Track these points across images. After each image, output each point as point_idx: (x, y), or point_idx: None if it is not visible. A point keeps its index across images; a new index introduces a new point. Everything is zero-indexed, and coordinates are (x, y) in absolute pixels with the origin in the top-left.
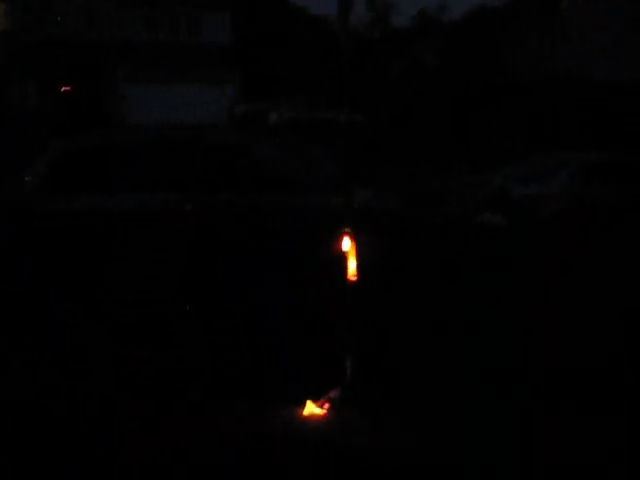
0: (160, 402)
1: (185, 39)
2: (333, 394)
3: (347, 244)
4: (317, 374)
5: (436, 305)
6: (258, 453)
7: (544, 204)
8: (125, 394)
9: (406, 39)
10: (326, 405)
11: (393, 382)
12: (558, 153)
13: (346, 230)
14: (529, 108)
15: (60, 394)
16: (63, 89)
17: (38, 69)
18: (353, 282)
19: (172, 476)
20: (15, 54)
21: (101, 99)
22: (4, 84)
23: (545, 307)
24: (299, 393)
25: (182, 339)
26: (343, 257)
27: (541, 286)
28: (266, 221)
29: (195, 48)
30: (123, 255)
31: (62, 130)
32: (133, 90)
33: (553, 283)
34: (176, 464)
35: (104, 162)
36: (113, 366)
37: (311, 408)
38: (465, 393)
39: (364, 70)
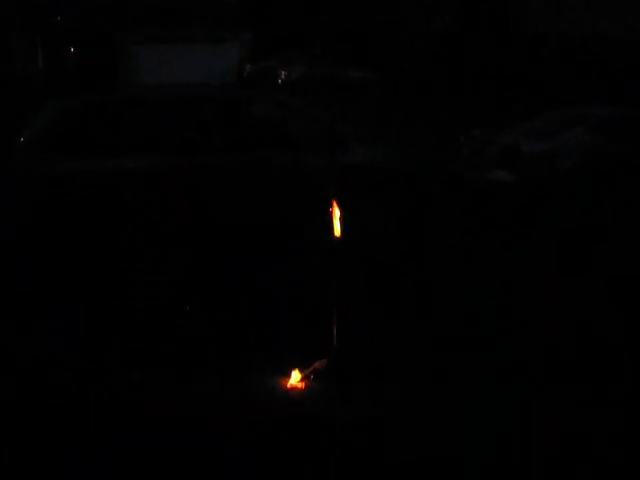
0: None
1: None
2: (319, 365)
3: (335, 205)
4: (303, 343)
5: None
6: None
7: (557, 161)
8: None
9: None
10: (311, 376)
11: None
12: (571, 109)
13: (334, 191)
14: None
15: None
16: (69, 51)
17: (45, 31)
18: (340, 243)
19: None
20: (20, 15)
21: (108, 61)
22: (9, 48)
23: (546, 293)
24: (284, 363)
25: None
26: (331, 217)
27: (546, 261)
28: (257, 180)
29: (203, 5)
30: (135, 217)
31: (69, 93)
32: (140, 51)
33: (559, 254)
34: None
35: (100, 122)
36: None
37: (296, 379)
38: (464, 384)
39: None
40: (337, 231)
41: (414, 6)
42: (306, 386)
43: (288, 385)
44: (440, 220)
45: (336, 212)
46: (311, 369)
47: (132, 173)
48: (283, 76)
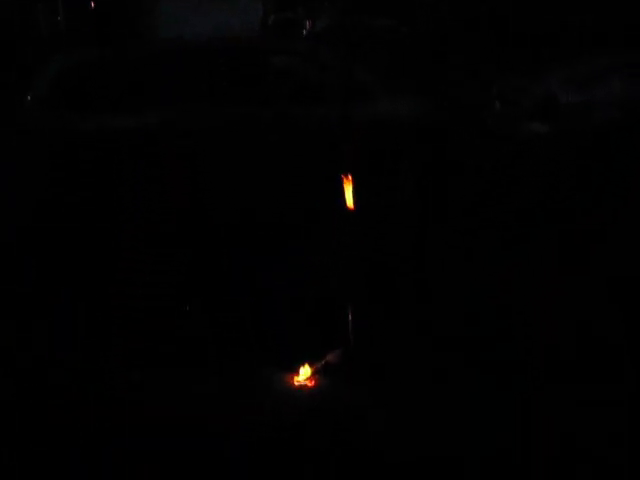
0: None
1: None
2: (331, 358)
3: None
4: (305, 341)
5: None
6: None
7: (594, 112)
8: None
9: None
10: (321, 370)
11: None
12: (612, 56)
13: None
14: None
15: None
16: (91, 7)
17: None
18: (351, 212)
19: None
20: None
21: (128, 16)
22: (33, 11)
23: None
24: (285, 361)
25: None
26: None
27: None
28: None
29: None
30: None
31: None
32: (162, 5)
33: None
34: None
35: (112, 76)
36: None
37: (306, 373)
38: (464, 384)
39: None
40: (349, 202)
41: None
42: (311, 383)
43: (293, 381)
44: (468, 178)
45: (349, 180)
46: (319, 365)
47: (143, 129)
48: (308, 27)
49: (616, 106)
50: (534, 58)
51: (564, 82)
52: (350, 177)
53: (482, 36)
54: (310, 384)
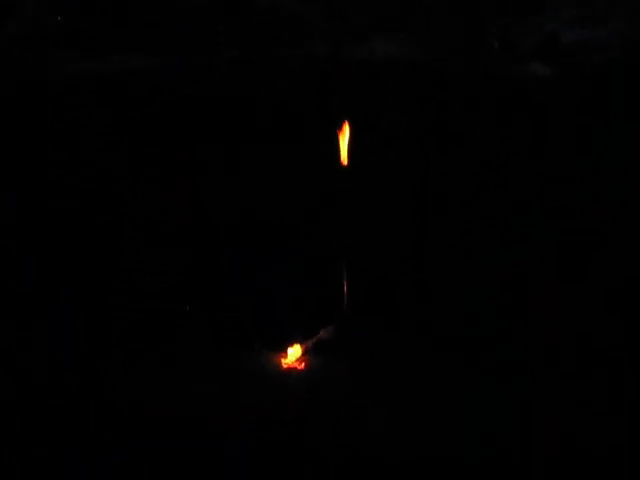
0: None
1: None
2: (324, 334)
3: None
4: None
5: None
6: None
7: (598, 51)
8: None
9: None
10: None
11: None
12: None
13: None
14: None
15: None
16: None
17: None
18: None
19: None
20: None
21: None
22: None
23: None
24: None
25: None
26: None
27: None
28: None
29: None
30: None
31: None
32: None
33: None
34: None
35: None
36: None
37: (297, 352)
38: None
39: None
40: (343, 157)
41: None
42: (302, 365)
43: (285, 364)
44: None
45: (345, 132)
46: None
47: (139, 72)
48: None
49: (619, 45)
50: None
51: (569, 19)
52: (345, 127)
53: None
54: (300, 366)
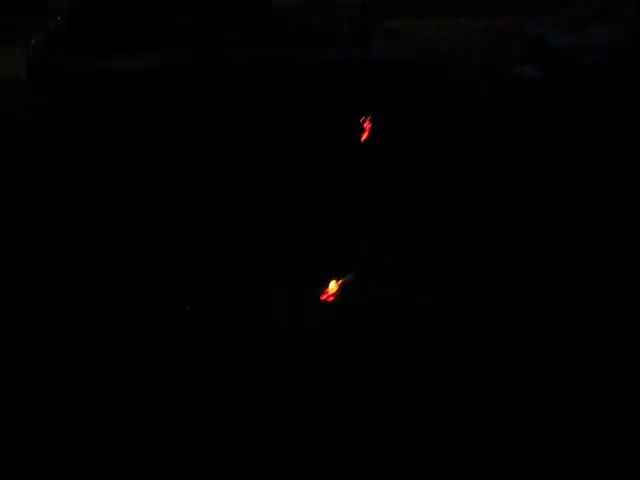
0: None
1: None
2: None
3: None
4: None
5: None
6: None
7: (583, 56)
8: None
9: None
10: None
11: None
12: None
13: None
14: None
15: None
16: None
17: None
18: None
19: None
20: None
21: None
22: None
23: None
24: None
25: None
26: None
27: None
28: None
29: None
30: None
31: None
32: None
33: None
34: None
35: (115, 18)
36: None
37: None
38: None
39: None
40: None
41: None
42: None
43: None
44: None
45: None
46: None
47: (147, 71)
48: None
49: (604, 49)
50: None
51: (557, 23)
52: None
53: None
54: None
